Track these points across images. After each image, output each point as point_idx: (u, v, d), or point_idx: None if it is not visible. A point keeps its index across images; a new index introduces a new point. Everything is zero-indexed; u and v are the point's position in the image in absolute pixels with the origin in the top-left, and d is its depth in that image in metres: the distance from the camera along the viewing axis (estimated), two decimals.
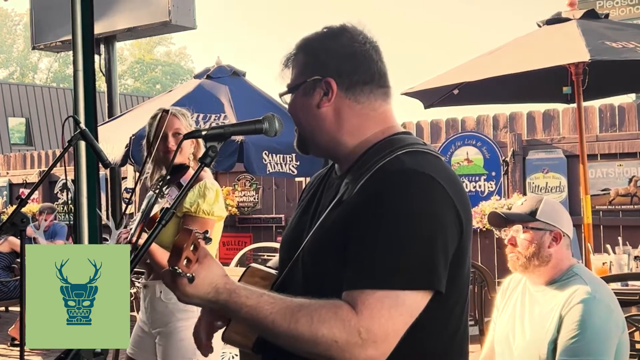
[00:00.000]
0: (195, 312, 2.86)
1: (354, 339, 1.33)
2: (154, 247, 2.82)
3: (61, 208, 10.35)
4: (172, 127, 3.02)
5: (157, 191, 2.96)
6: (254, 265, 1.65)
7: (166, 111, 3.07)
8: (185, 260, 1.36)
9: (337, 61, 1.57)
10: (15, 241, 7.62)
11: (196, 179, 2.60)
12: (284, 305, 1.38)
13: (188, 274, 1.37)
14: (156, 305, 2.97)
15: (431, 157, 1.50)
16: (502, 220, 2.55)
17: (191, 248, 1.38)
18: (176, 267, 1.35)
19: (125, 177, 9.50)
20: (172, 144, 3.01)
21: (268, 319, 1.37)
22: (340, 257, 1.42)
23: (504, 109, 7.76)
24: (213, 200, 2.91)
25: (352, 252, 1.40)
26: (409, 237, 1.37)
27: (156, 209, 2.90)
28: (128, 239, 2.82)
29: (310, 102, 1.57)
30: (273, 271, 1.64)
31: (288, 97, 1.63)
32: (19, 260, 7.44)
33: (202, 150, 3.03)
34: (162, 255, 2.82)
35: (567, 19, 4.89)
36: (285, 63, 1.63)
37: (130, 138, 5.70)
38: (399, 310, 1.35)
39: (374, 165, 1.47)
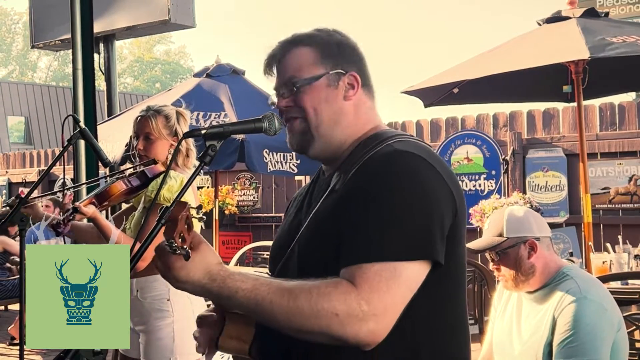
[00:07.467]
0: (170, 311, 2.89)
1: (355, 311, 1.33)
2: (103, 221, 2.84)
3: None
4: (143, 130, 3.01)
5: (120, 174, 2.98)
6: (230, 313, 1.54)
7: (144, 111, 3.04)
8: (180, 237, 1.35)
9: (355, 57, 1.61)
10: (7, 240, 7.61)
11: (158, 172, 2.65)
12: (281, 286, 1.38)
13: (185, 248, 1.35)
14: (133, 304, 2.95)
15: (421, 143, 1.54)
16: (474, 251, 2.52)
17: (185, 225, 1.36)
18: (172, 241, 1.34)
19: None
20: (140, 146, 3.01)
21: (266, 300, 1.36)
22: (336, 244, 1.42)
23: (504, 108, 7.77)
24: (176, 189, 2.86)
25: (347, 231, 1.41)
26: (403, 210, 1.39)
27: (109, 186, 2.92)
28: (73, 204, 2.81)
29: (337, 93, 1.58)
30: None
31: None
32: (12, 258, 7.44)
33: (186, 154, 3.06)
34: (106, 226, 2.84)
35: (567, 18, 4.89)
36: (277, 57, 1.61)
37: (130, 137, 5.69)
38: (397, 282, 1.35)
39: (365, 154, 1.50)
